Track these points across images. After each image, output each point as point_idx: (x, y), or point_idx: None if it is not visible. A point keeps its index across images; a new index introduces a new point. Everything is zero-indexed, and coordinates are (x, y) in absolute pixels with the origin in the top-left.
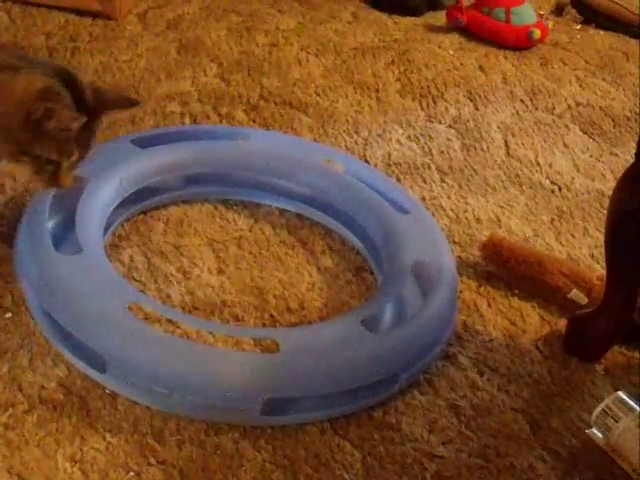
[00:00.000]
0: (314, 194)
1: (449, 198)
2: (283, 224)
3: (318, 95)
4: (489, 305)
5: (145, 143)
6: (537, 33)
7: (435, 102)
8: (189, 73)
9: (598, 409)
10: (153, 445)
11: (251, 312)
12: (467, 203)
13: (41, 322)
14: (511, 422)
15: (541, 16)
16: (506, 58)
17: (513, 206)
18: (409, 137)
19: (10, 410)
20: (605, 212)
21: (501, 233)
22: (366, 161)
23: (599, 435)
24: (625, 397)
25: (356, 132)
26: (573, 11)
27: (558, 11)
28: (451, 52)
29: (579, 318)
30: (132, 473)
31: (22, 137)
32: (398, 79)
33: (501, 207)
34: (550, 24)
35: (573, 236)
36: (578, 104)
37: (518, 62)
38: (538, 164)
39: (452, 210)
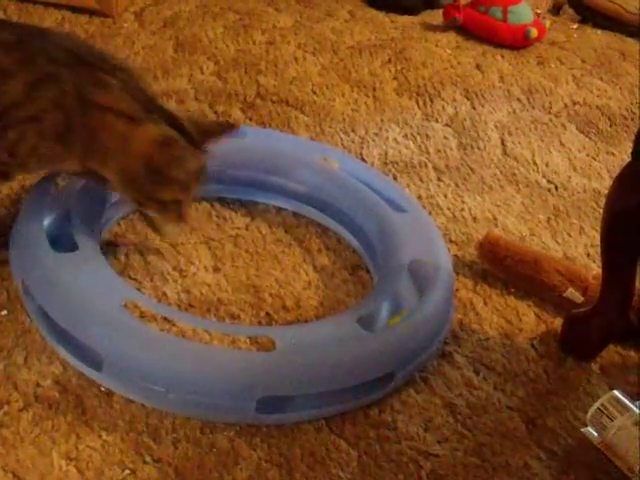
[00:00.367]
0: (311, 192)
1: (446, 197)
2: (279, 222)
3: (315, 93)
4: (485, 304)
5: None
6: (534, 32)
7: (432, 101)
8: (186, 71)
9: (594, 408)
10: (149, 443)
11: (247, 310)
12: (464, 202)
13: (37, 320)
14: (507, 421)
15: (538, 15)
16: (503, 57)
17: (509, 205)
18: (406, 136)
19: (5, 408)
20: (601, 211)
21: (497, 232)
22: (363, 159)
23: (594, 434)
24: (620, 396)
25: (353, 130)
26: (570, 10)
27: (555, 10)
28: (448, 51)
29: (575, 317)
30: (127, 471)
31: (148, 186)
32: (395, 77)
33: (497, 206)
34: (547, 23)
35: (569, 235)
36: (575, 103)
37: (515, 61)
38: (535, 163)
39: (449, 209)
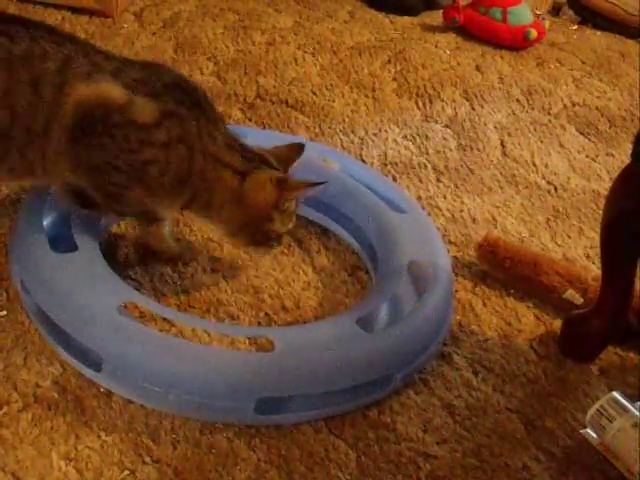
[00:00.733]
0: (310, 193)
1: (445, 198)
2: None
3: (314, 94)
4: (484, 305)
5: None
6: (534, 33)
7: (431, 102)
8: (185, 71)
9: (593, 409)
10: (148, 444)
11: (246, 311)
12: (463, 203)
13: (36, 320)
14: (506, 422)
15: (538, 16)
16: (502, 58)
17: (509, 206)
18: (405, 137)
19: (5, 408)
20: (601, 212)
21: (497, 233)
22: (362, 160)
23: (593, 435)
24: (620, 397)
25: (352, 131)
26: (570, 11)
27: (555, 11)
28: (447, 52)
29: (574, 318)
30: (127, 472)
31: (266, 225)
32: (394, 78)
33: (497, 207)
34: (547, 24)
35: (569, 236)
36: (574, 104)
37: (514, 62)
38: (534, 164)
39: (448, 210)
